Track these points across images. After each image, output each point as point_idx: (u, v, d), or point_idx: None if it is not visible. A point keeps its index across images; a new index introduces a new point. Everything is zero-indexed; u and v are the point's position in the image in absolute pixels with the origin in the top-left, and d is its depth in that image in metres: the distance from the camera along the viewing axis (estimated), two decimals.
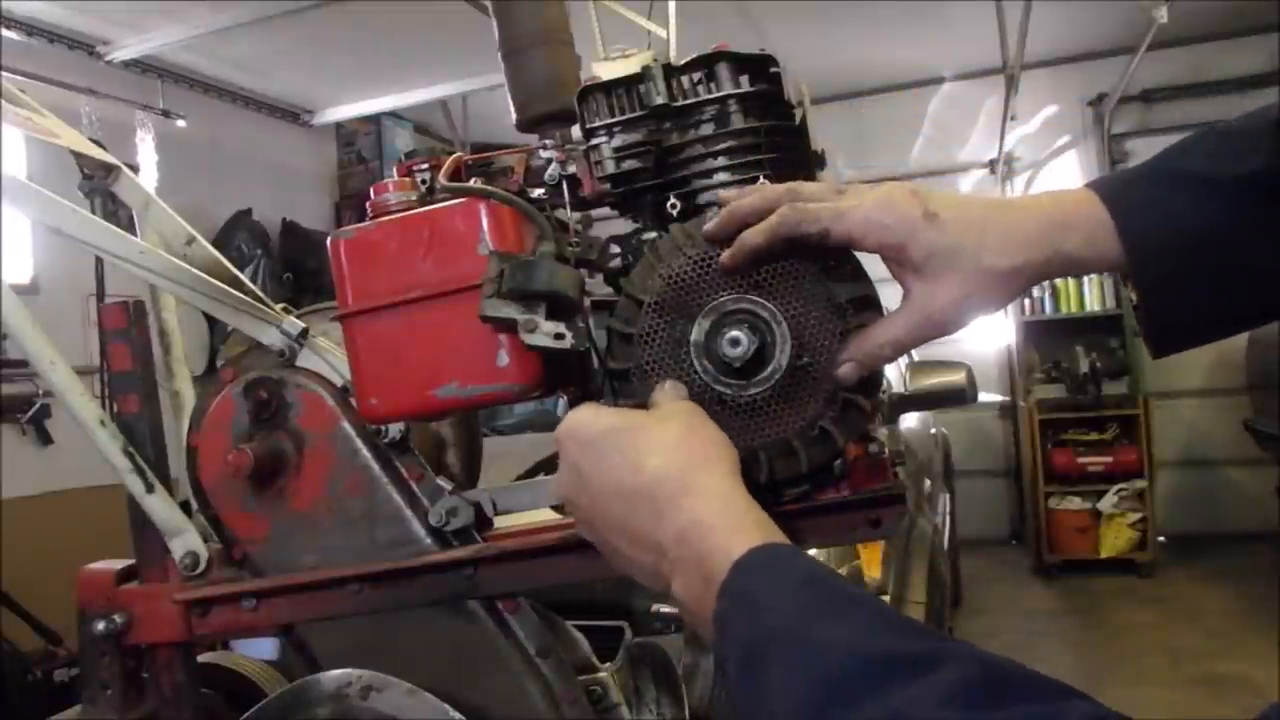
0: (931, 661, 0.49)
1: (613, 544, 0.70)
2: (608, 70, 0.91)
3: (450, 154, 1.01)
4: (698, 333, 0.78)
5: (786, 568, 0.59)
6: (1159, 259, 0.73)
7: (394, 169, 1.02)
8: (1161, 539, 6.38)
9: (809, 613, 0.55)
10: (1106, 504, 6.17)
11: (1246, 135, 0.73)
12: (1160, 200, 0.73)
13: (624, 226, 0.96)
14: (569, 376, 0.92)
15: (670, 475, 0.66)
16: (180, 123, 5.39)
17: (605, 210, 0.98)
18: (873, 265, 0.79)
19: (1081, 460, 6.32)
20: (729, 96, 0.88)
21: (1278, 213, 0.70)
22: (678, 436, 0.69)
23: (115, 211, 1.29)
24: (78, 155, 1.25)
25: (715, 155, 0.88)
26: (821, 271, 0.77)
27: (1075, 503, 6.31)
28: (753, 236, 0.75)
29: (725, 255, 0.76)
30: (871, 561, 2.39)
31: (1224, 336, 0.79)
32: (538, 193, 0.98)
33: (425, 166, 1.00)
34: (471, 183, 0.97)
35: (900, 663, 0.50)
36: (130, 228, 1.18)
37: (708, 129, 0.89)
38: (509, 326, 0.81)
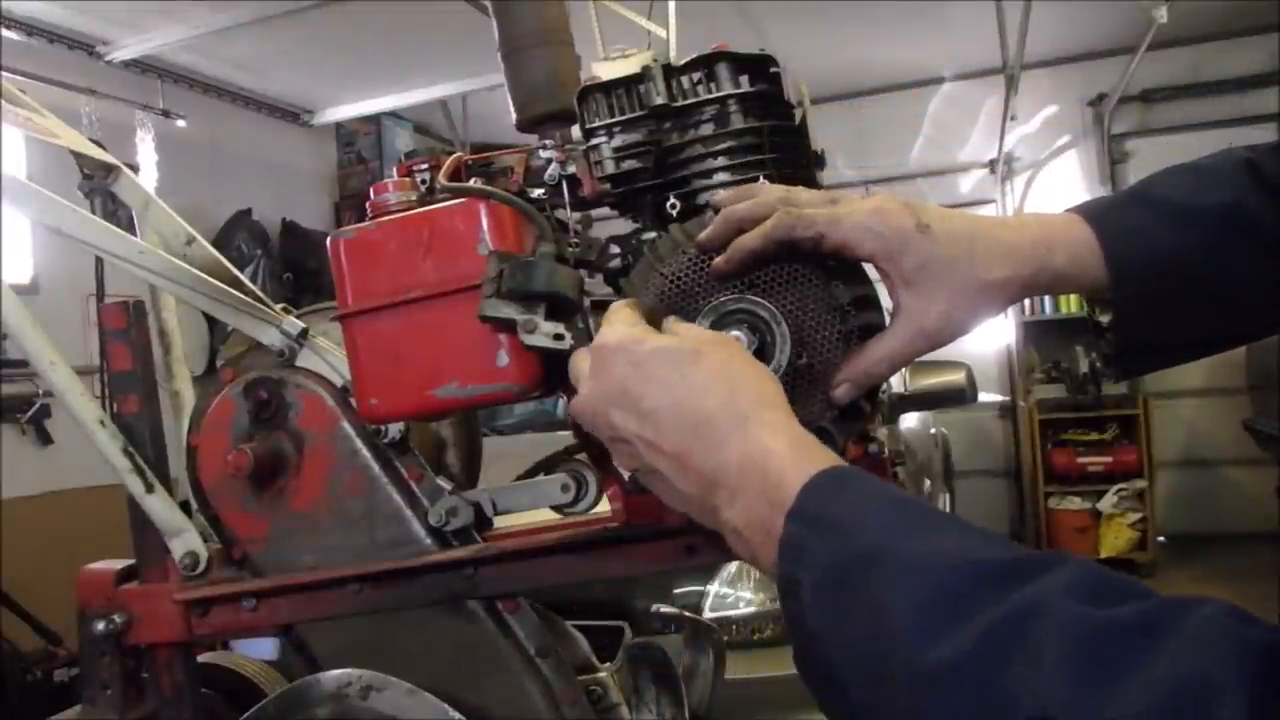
0: (1046, 563, 0.48)
1: (656, 467, 0.67)
2: (608, 70, 0.91)
3: (450, 154, 1.01)
4: None
5: (862, 488, 0.58)
6: (1139, 280, 0.76)
7: (394, 169, 1.02)
8: (1161, 539, 6.38)
9: (899, 530, 0.54)
10: (1106, 504, 6.17)
11: (1217, 171, 0.79)
12: (1141, 224, 0.77)
13: (624, 226, 0.96)
14: (569, 376, 0.92)
15: (733, 403, 0.63)
16: (180, 123, 5.39)
17: (605, 210, 0.98)
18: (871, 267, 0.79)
19: (1081, 460, 6.32)
20: (729, 96, 0.88)
21: (1246, 242, 0.76)
22: (734, 366, 0.66)
23: (115, 211, 1.29)
24: (78, 155, 1.25)
25: (715, 155, 0.88)
26: (821, 271, 0.77)
27: (1075, 503, 6.32)
28: (748, 240, 0.75)
29: (720, 259, 0.76)
30: None
31: (1189, 359, 0.84)
32: (538, 193, 0.97)
33: (425, 166, 1.00)
34: (471, 183, 0.97)
35: (1015, 566, 0.48)
36: (130, 228, 1.18)
37: (708, 129, 0.89)
38: (508, 327, 0.81)
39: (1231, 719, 0.38)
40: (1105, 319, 0.80)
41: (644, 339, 0.68)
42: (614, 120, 0.90)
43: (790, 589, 0.56)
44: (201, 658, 1.27)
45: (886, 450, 0.94)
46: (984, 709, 0.45)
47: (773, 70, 0.89)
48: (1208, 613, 0.43)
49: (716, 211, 0.78)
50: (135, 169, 3.78)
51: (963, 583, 0.49)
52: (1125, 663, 0.42)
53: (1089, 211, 0.79)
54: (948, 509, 4.81)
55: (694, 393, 0.64)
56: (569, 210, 0.97)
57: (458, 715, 0.98)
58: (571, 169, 0.96)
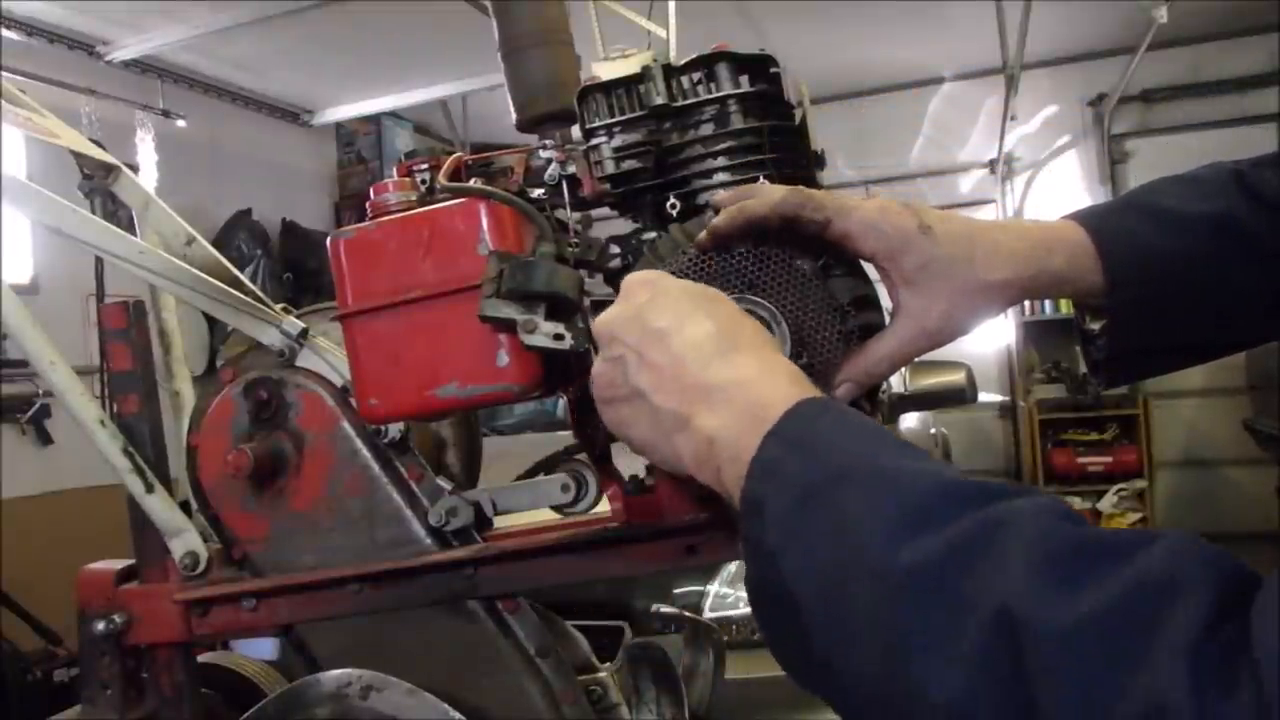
0: (1019, 490, 0.50)
1: (637, 385, 0.67)
2: (608, 70, 0.91)
3: (450, 154, 1.01)
4: None
5: (845, 417, 0.59)
6: (1135, 283, 0.78)
7: (394, 169, 1.02)
8: None
9: (874, 451, 0.54)
10: (1106, 504, 6.18)
11: (1209, 181, 0.81)
12: (1137, 229, 0.79)
13: (624, 226, 0.96)
14: (569, 376, 0.92)
15: (739, 337, 0.65)
16: (180, 123, 5.40)
17: (605, 210, 0.98)
18: (870, 267, 0.79)
19: (1081, 460, 6.33)
20: (729, 97, 0.88)
21: (1239, 250, 0.77)
22: (750, 320, 0.69)
23: (115, 211, 1.29)
24: (78, 155, 1.25)
25: (715, 155, 0.88)
26: (821, 271, 0.77)
27: (1075, 503, 6.30)
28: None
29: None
30: None
31: (1181, 366, 0.85)
32: (538, 193, 0.97)
33: (425, 166, 1.00)
34: (471, 183, 0.97)
35: (988, 488, 0.50)
36: (130, 228, 1.18)
37: (708, 129, 0.89)
38: (508, 327, 0.81)
39: (1195, 615, 0.39)
40: (1096, 325, 0.81)
41: (671, 279, 0.71)
42: (614, 120, 0.90)
43: (753, 509, 0.57)
44: (201, 658, 1.27)
45: None
46: (950, 609, 0.45)
47: (773, 70, 0.89)
48: (1178, 535, 0.45)
49: (716, 212, 0.78)
50: (135, 169, 3.78)
51: (935, 497, 0.50)
52: (1095, 570, 0.43)
53: (1085, 217, 0.80)
54: None
55: (705, 320, 0.66)
56: (569, 210, 0.97)
57: (458, 715, 0.98)
58: (571, 169, 0.96)
